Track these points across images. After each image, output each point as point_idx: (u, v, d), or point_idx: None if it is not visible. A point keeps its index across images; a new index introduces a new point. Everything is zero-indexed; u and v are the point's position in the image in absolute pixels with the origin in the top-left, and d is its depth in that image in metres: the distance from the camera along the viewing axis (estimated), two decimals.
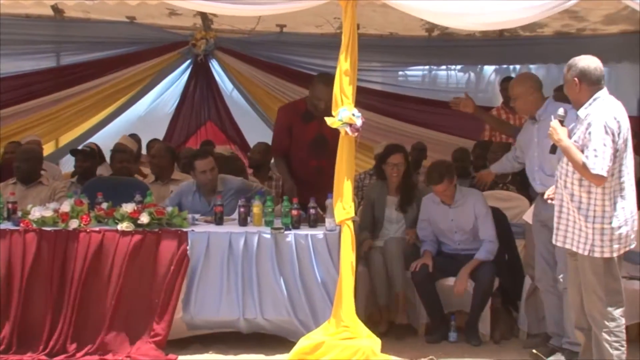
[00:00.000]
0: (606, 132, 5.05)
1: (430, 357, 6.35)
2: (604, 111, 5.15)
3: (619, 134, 5.11)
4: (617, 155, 5.12)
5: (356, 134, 6.32)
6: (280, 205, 6.92)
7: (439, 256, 7.25)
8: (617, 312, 5.24)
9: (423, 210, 7.32)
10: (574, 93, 5.35)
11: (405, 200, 7.53)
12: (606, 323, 5.23)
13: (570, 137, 5.24)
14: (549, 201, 5.64)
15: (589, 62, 5.32)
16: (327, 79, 7.13)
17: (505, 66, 10.90)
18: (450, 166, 7.24)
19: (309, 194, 6.93)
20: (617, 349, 5.22)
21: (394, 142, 8.29)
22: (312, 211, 6.77)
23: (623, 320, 5.26)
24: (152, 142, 10.31)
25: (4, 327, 6.46)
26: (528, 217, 6.00)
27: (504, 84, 10.08)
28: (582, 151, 5.10)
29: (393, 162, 7.45)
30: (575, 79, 5.28)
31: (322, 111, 6.85)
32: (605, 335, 5.23)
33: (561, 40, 9.79)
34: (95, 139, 10.54)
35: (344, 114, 6.23)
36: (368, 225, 7.57)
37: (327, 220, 6.64)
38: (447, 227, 7.23)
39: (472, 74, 11.19)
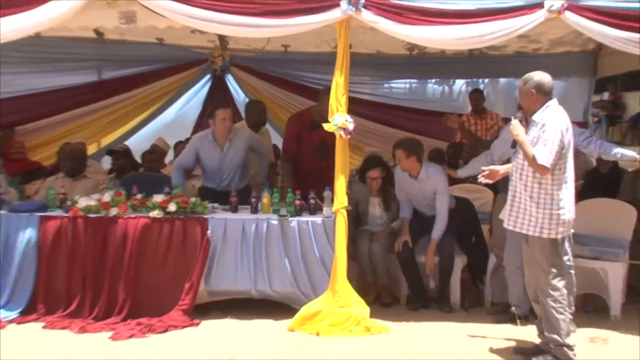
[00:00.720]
0: (556, 132, 5.20)
1: None
2: (556, 116, 5.30)
3: (565, 135, 5.26)
4: (562, 153, 5.25)
5: (348, 136, 6.41)
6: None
7: (415, 218, 7.30)
8: (560, 284, 5.35)
9: (395, 178, 7.33)
10: (529, 102, 5.43)
11: (388, 202, 7.48)
12: (551, 292, 5.35)
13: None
14: (481, 179, 5.72)
15: (542, 76, 5.43)
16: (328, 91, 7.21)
17: (474, 80, 10.93)
18: (413, 145, 7.17)
19: (314, 189, 6.95)
20: (561, 313, 5.34)
21: (373, 153, 8.19)
22: (312, 201, 6.84)
23: (565, 291, 5.36)
24: (178, 144, 10.37)
25: (57, 294, 6.61)
26: (503, 215, 6.04)
27: (473, 94, 10.15)
28: (534, 145, 5.25)
29: (371, 177, 7.38)
30: (533, 90, 5.38)
31: (321, 117, 6.88)
32: (551, 303, 5.35)
33: (520, 58, 9.81)
34: (130, 141, 10.58)
35: (339, 120, 6.32)
36: (351, 219, 7.18)
37: (324, 209, 6.69)
38: (414, 194, 7.23)
39: (446, 87, 11.20)
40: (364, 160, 7.78)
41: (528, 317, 6.36)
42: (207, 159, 7.69)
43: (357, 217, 7.44)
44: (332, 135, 6.56)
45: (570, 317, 5.40)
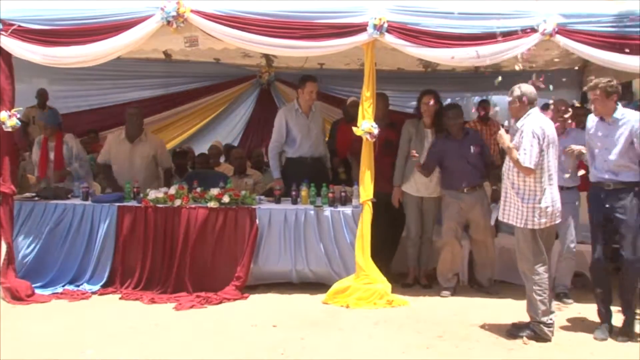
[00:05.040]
0: (533, 137, 5.09)
1: None
2: (533, 122, 5.17)
3: (543, 139, 5.12)
4: (542, 155, 5.12)
5: (374, 139, 6.34)
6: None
7: None
8: (541, 269, 5.21)
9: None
10: (514, 110, 5.34)
11: (438, 129, 6.86)
12: (533, 277, 5.23)
13: (511, 141, 5.26)
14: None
15: (526, 88, 5.33)
16: (384, 95, 7.19)
17: (479, 93, 10.79)
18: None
19: (385, 182, 6.79)
20: (540, 295, 5.21)
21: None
22: (343, 194, 6.78)
23: (546, 275, 5.22)
24: (228, 146, 10.41)
25: (131, 271, 6.64)
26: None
27: (482, 104, 10.03)
28: (518, 150, 5.15)
29: (425, 102, 6.83)
30: (516, 99, 5.29)
31: (381, 120, 6.75)
32: (532, 286, 5.23)
33: (519, 74, 9.68)
34: (191, 144, 10.65)
35: (366, 125, 6.29)
36: (404, 159, 6.88)
37: (353, 200, 6.66)
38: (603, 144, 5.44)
39: (456, 98, 11.10)
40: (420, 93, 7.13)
41: None
42: (295, 126, 7.34)
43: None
44: (394, 133, 6.75)
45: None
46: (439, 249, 6.83)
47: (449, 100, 10.86)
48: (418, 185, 6.91)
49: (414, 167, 6.82)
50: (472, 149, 6.57)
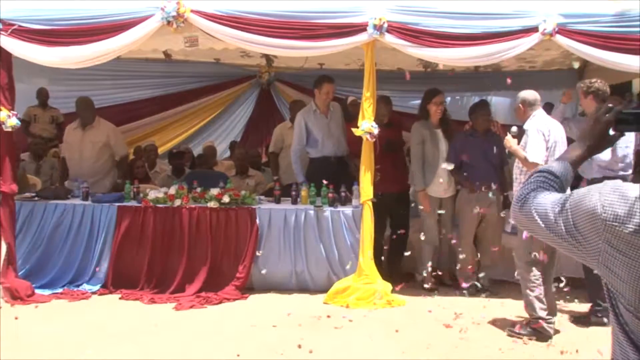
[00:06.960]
0: (537, 133, 5.29)
1: None
2: (537, 121, 5.40)
3: (549, 136, 5.29)
4: (549, 152, 5.25)
5: (374, 139, 6.34)
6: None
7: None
8: (535, 267, 5.28)
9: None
10: (519, 114, 5.57)
11: (448, 130, 6.88)
12: (527, 274, 5.32)
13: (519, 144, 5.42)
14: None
15: (526, 93, 5.55)
16: (387, 99, 7.16)
17: (479, 93, 10.78)
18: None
19: (388, 182, 6.75)
20: (533, 291, 5.28)
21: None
22: (343, 194, 6.78)
23: (539, 273, 5.28)
24: (232, 143, 10.44)
25: (130, 271, 6.62)
26: None
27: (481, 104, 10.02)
28: (525, 149, 5.34)
29: (436, 102, 6.79)
30: (520, 104, 5.52)
31: (386, 124, 6.75)
32: (527, 283, 5.32)
33: (519, 74, 9.67)
34: (192, 143, 10.66)
35: (365, 125, 6.27)
36: (421, 161, 6.77)
37: (353, 200, 6.65)
38: None
39: (456, 98, 11.09)
40: (425, 93, 7.06)
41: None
42: (315, 127, 7.29)
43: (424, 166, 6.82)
44: (396, 132, 6.87)
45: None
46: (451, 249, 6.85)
47: (448, 99, 10.92)
48: (438, 187, 6.80)
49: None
50: (494, 148, 6.48)
